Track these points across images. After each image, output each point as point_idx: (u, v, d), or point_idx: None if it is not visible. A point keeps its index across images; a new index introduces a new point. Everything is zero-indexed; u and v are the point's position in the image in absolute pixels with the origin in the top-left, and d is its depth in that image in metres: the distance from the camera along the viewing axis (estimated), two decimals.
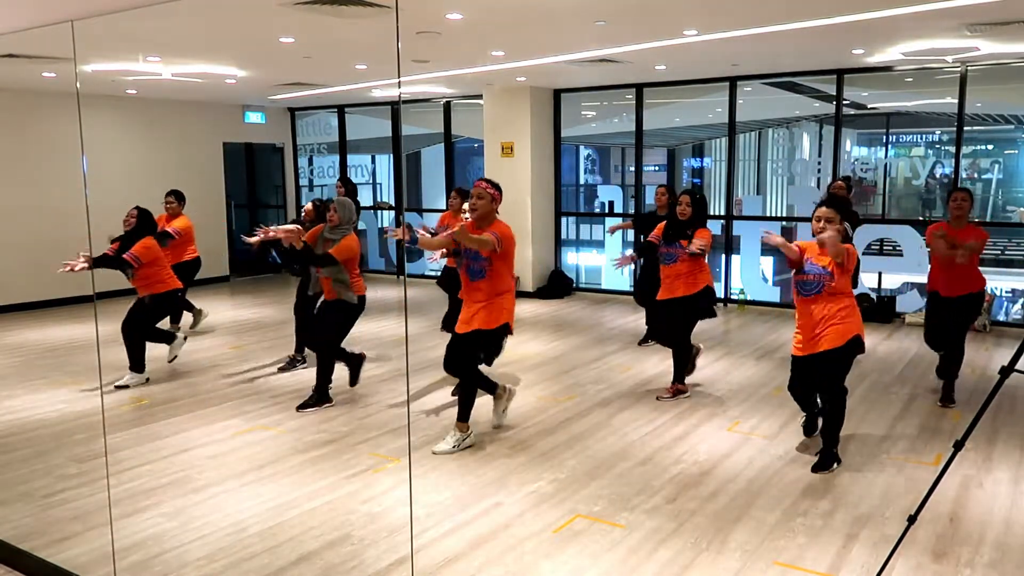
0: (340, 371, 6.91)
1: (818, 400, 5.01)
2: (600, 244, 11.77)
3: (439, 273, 7.55)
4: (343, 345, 6.10)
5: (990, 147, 13.79)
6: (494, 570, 3.52)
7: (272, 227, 5.93)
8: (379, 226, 12.70)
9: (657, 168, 15.56)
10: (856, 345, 4.64)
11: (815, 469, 4.63)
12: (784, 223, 10.48)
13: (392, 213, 13.21)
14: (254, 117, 12.83)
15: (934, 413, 5.69)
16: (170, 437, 5.31)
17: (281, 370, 6.98)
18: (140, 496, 4.35)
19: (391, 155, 13.72)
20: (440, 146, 12.40)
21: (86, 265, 6.14)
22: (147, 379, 6.68)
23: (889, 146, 12.24)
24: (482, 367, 5.35)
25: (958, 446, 3.01)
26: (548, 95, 10.95)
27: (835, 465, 4.67)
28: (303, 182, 13.76)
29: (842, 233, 4.66)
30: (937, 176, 11.83)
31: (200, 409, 5.91)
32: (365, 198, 12.68)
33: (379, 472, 4.67)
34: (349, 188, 9.65)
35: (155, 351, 7.69)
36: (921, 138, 13.12)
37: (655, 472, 4.63)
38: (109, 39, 6.43)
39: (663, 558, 3.62)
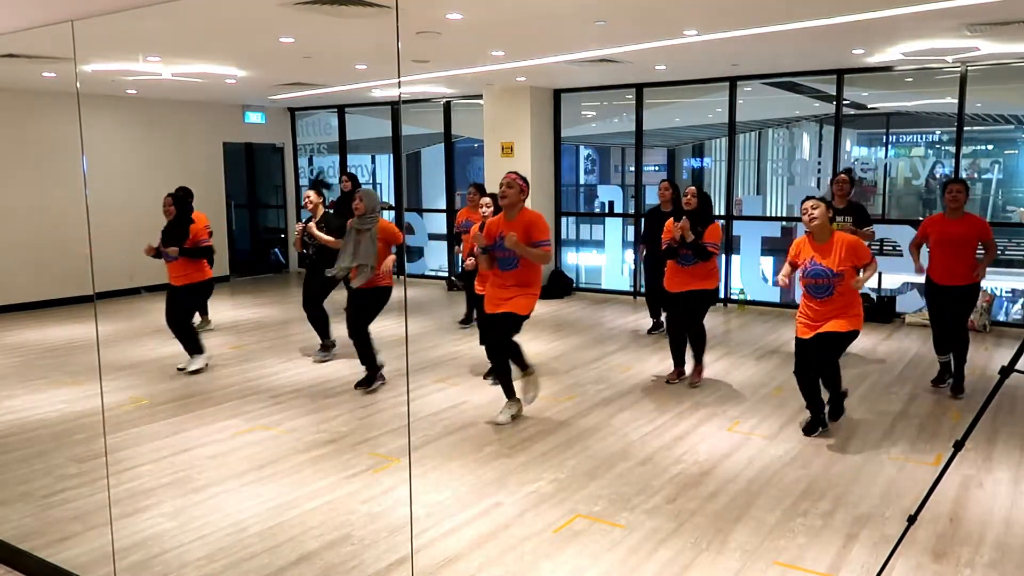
0: (340, 370, 6.92)
1: (823, 398, 5.30)
2: (600, 244, 11.76)
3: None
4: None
5: (990, 147, 13.78)
6: (494, 570, 3.53)
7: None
8: None
9: (657, 168, 15.55)
10: (854, 335, 5.14)
11: (832, 417, 5.31)
12: (784, 223, 10.48)
13: (392, 213, 13.21)
14: (254, 117, 12.83)
15: (934, 413, 5.69)
16: (170, 437, 5.31)
17: (318, 361, 7.20)
18: (140, 496, 4.35)
19: (391, 155, 13.72)
20: (440, 146, 12.40)
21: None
22: (207, 363, 7.03)
23: (889, 146, 12.23)
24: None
25: (958, 446, 3.01)
26: (548, 95, 10.95)
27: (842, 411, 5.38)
28: (303, 182, 13.76)
29: (851, 229, 4.86)
30: (937, 176, 11.82)
31: (200, 409, 5.91)
32: None
33: (379, 472, 4.67)
34: (355, 183, 9.73)
35: (163, 351, 7.69)
36: (921, 138, 13.11)
37: (655, 472, 4.63)
38: (109, 39, 6.43)
39: (663, 558, 3.62)
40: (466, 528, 3.93)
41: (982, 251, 6.09)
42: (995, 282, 9.54)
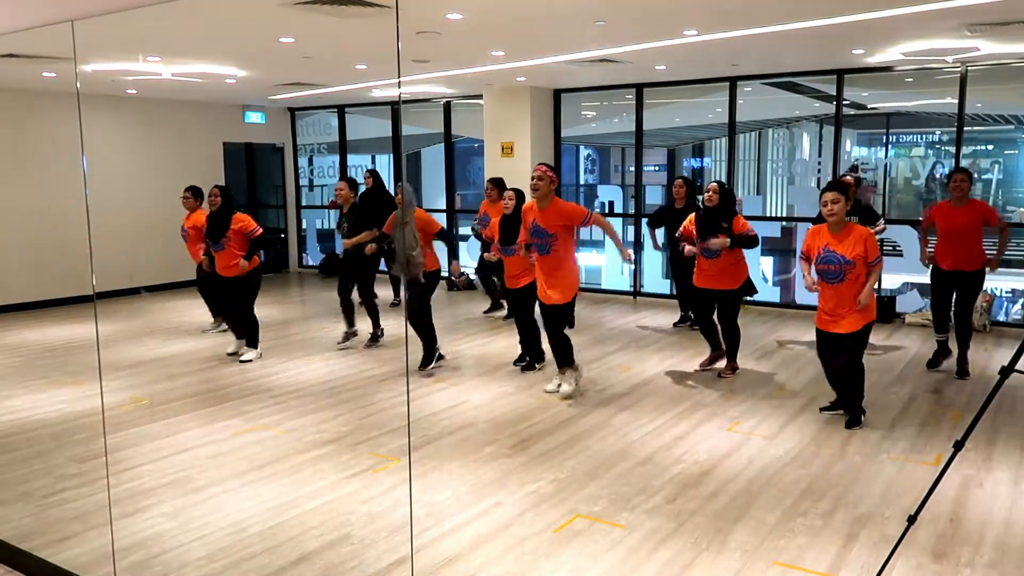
0: (340, 370, 6.92)
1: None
2: (600, 244, 11.77)
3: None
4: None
5: (990, 147, 13.78)
6: (494, 570, 3.52)
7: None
8: None
9: (657, 168, 15.55)
10: (870, 327, 5.27)
11: (848, 426, 5.30)
12: (784, 223, 10.48)
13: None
14: (254, 117, 12.83)
15: (934, 413, 5.69)
16: (170, 437, 5.31)
17: (342, 346, 7.64)
18: (140, 496, 4.35)
19: (391, 155, 13.72)
20: (440, 146, 12.40)
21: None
22: (260, 353, 7.34)
23: (889, 146, 12.24)
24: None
25: (958, 446, 3.01)
26: (548, 95, 10.95)
27: (863, 418, 5.37)
28: (303, 182, 13.76)
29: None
30: (937, 176, 11.82)
31: (200, 409, 5.91)
32: None
33: (379, 472, 4.67)
34: (377, 180, 9.88)
35: (163, 351, 7.70)
36: (921, 138, 13.11)
37: (655, 472, 4.63)
38: (109, 39, 6.43)
39: (663, 558, 3.62)
40: (466, 528, 3.93)
41: (993, 251, 6.40)
42: (995, 282, 9.52)
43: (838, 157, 9.32)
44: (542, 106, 10.85)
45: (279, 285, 12.14)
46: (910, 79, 9.04)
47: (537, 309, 6.47)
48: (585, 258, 12.42)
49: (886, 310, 8.94)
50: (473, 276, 11.04)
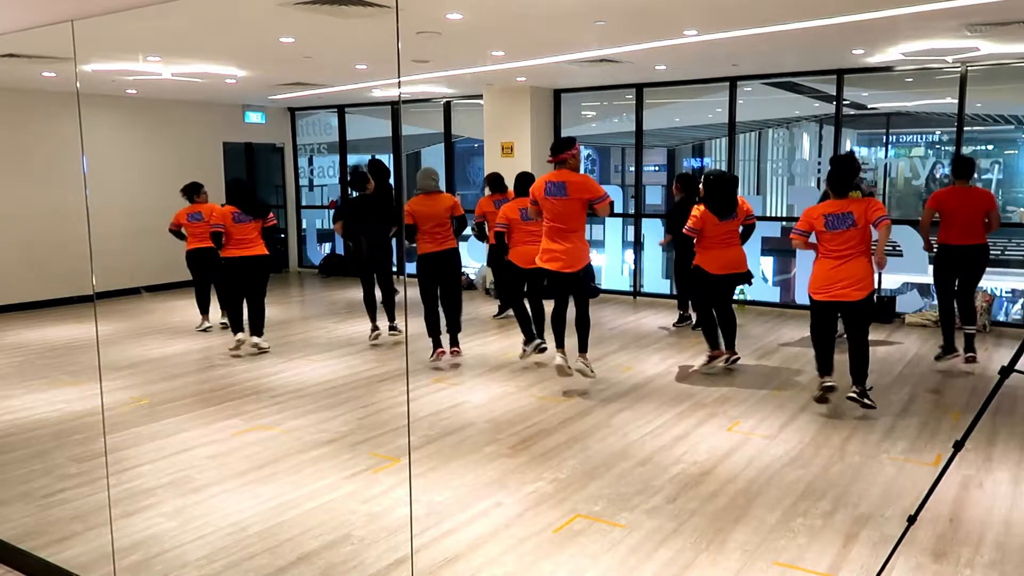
0: (340, 370, 6.92)
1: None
2: (600, 244, 11.76)
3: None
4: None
5: (990, 147, 13.78)
6: (494, 570, 3.52)
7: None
8: None
9: (657, 168, 15.56)
10: (871, 298, 5.54)
11: (866, 405, 5.49)
12: (784, 223, 10.47)
13: None
14: (254, 117, 12.83)
15: (934, 413, 5.69)
16: (170, 437, 5.31)
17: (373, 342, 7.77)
18: (140, 496, 4.35)
19: (391, 155, 13.71)
20: (440, 146, 12.40)
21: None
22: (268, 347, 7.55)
23: (889, 146, 12.24)
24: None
25: (958, 446, 3.01)
26: (548, 95, 10.95)
27: (870, 390, 5.57)
28: (303, 182, 13.76)
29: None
30: (937, 176, 11.83)
31: (200, 409, 5.91)
32: None
33: (379, 472, 4.67)
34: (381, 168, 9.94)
35: (163, 351, 7.70)
36: (921, 138, 13.12)
37: (655, 472, 4.63)
38: (109, 39, 6.43)
39: (663, 558, 3.62)
40: (466, 528, 3.93)
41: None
42: (995, 282, 9.54)
43: None
44: (542, 106, 10.85)
45: (279, 285, 12.13)
46: (910, 79, 9.04)
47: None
48: None
49: (886, 310, 8.94)
50: (473, 276, 11.04)
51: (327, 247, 13.78)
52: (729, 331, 6.81)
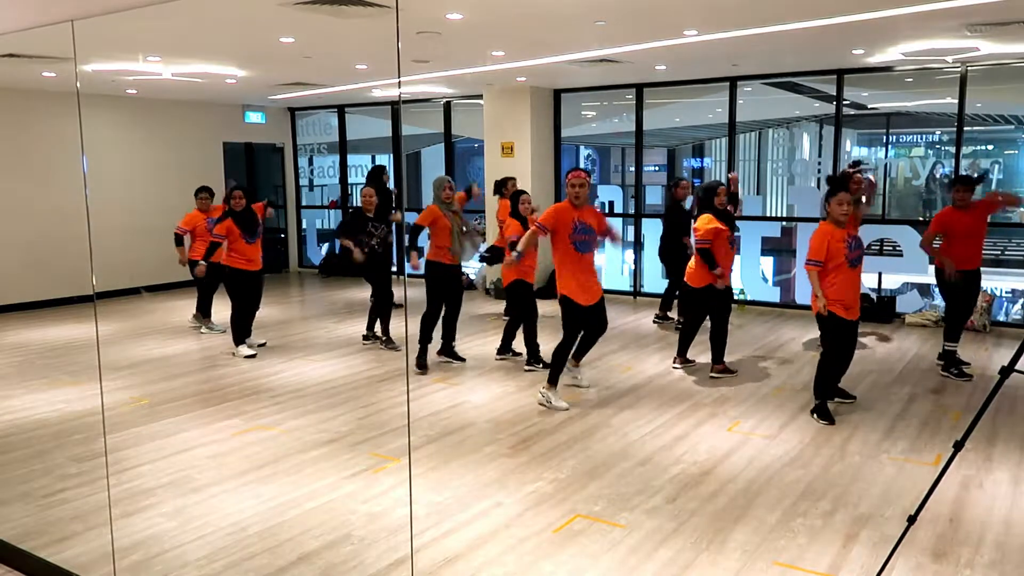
0: (340, 370, 6.92)
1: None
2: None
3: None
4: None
5: (990, 147, 13.79)
6: (494, 570, 3.52)
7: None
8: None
9: (657, 168, 15.56)
10: None
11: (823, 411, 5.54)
12: (784, 223, 10.48)
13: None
14: (254, 117, 12.83)
15: (934, 413, 5.69)
16: (170, 437, 5.31)
17: (390, 346, 7.71)
18: (140, 496, 4.35)
19: (391, 155, 13.72)
20: (440, 146, 12.40)
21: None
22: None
23: (889, 146, 12.24)
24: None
25: (958, 446, 3.01)
26: (548, 95, 10.95)
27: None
28: (303, 182, 13.76)
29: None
30: (937, 176, 11.83)
31: (200, 409, 5.91)
32: None
33: (379, 472, 4.67)
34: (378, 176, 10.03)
35: (163, 351, 7.70)
36: (921, 138, 13.12)
37: (655, 472, 4.63)
38: (109, 39, 6.43)
39: (663, 558, 3.62)
40: (466, 528, 3.93)
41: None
42: (995, 282, 9.54)
43: (838, 157, 9.32)
44: (542, 106, 10.85)
45: (279, 285, 12.13)
46: (910, 79, 9.04)
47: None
48: None
49: (886, 310, 8.94)
50: (473, 276, 11.04)
51: (326, 247, 13.79)
52: (723, 342, 6.79)
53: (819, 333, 5.71)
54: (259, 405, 5.99)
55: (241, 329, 7.50)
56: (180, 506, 4.22)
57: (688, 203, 8.23)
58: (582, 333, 6.02)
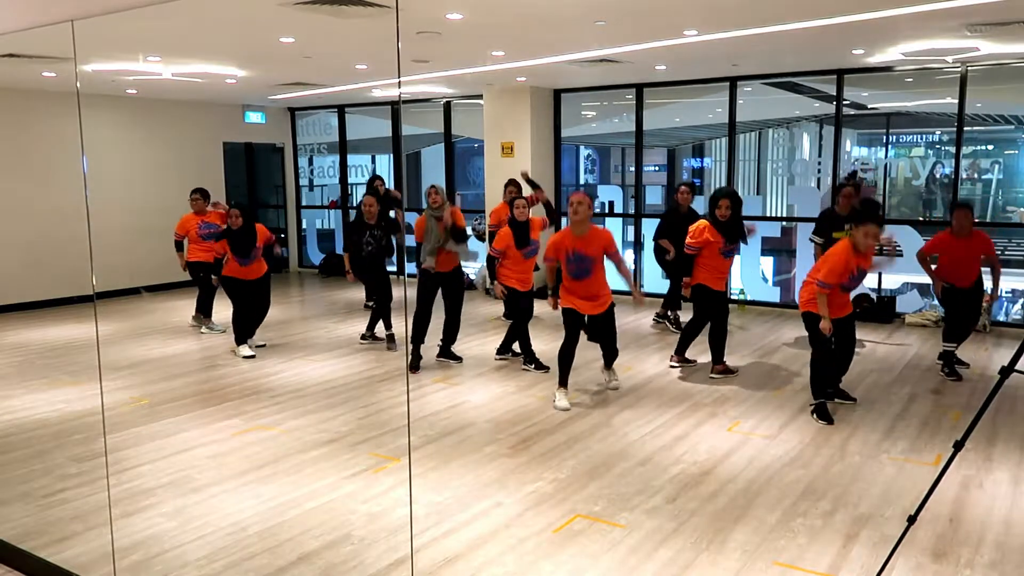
0: (340, 370, 6.92)
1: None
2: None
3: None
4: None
5: (990, 147, 13.77)
6: (494, 570, 3.52)
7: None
8: None
9: (657, 168, 15.55)
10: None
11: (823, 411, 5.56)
12: (784, 223, 10.48)
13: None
14: (254, 117, 12.83)
15: (934, 413, 5.69)
16: (170, 437, 5.31)
17: (390, 346, 7.74)
18: (140, 496, 4.35)
19: (391, 155, 13.72)
20: (440, 146, 12.40)
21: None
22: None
23: (889, 146, 12.23)
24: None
25: (958, 446, 3.01)
26: (548, 95, 10.95)
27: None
28: (303, 182, 13.76)
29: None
30: (937, 176, 11.82)
31: (200, 409, 5.91)
32: None
33: (379, 472, 4.67)
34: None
35: (163, 351, 7.71)
36: (921, 138, 13.11)
37: (655, 472, 4.63)
38: (109, 39, 6.43)
39: (663, 558, 3.62)
40: (466, 528, 3.93)
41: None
42: (996, 297, 9.53)
43: (838, 157, 9.32)
44: (542, 106, 10.85)
45: (279, 285, 12.12)
46: (910, 79, 9.04)
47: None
48: None
49: (886, 310, 8.94)
50: (472, 276, 11.04)
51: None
52: (722, 343, 6.81)
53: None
54: (259, 405, 5.99)
55: (242, 329, 7.51)
56: (180, 506, 4.22)
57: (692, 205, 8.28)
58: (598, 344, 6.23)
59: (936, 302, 8.49)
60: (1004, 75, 8.68)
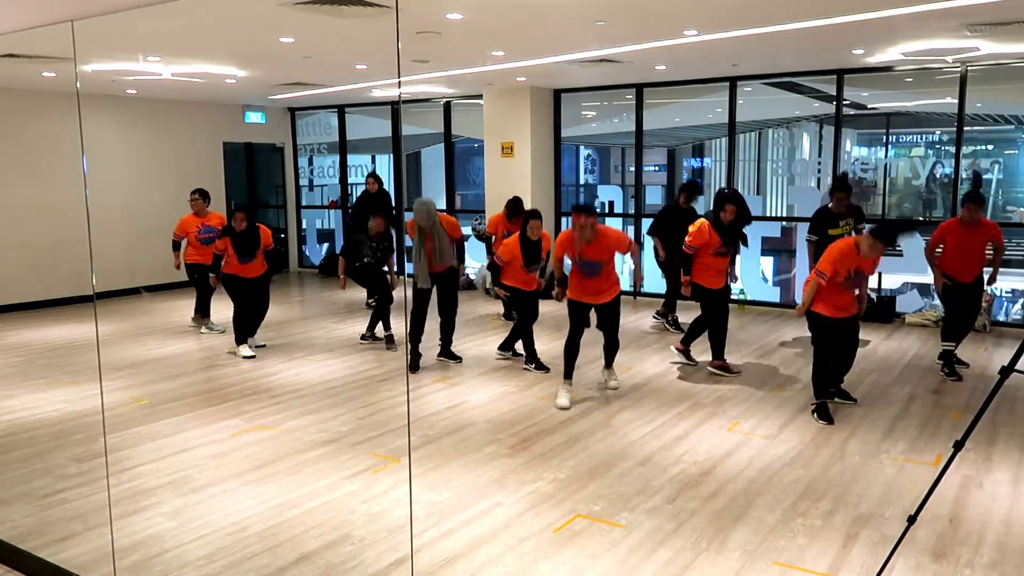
0: (340, 370, 6.92)
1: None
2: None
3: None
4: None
5: (990, 147, 13.76)
6: (494, 570, 3.53)
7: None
8: None
9: (657, 168, 15.54)
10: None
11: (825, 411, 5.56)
12: (784, 223, 10.47)
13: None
14: (254, 117, 12.83)
15: (934, 413, 5.69)
16: (170, 437, 5.31)
17: (388, 347, 7.76)
18: (140, 496, 4.35)
19: (391, 155, 13.72)
20: (440, 146, 12.40)
21: None
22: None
23: (889, 146, 12.22)
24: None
25: (958, 446, 3.01)
26: (548, 95, 10.95)
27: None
28: (303, 182, 13.76)
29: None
30: (937, 176, 11.82)
31: (200, 409, 5.91)
32: None
33: (379, 472, 4.67)
34: (380, 184, 10.08)
35: (163, 351, 7.71)
36: (921, 138, 13.10)
37: (655, 472, 4.63)
38: (109, 39, 6.43)
39: (663, 558, 3.62)
40: (466, 528, 3.93)
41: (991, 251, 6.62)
42: (995, 282, 9.52)
43: (838, 157, 9.32)
44: (542, 106, 10.84)
45: (279, 285, 12.13)
46: (910, 79, 9.03)
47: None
48: None
49: (886, 310, 8.94)
50: (472, 276, 11.04)
51: (326, 247, 13.79)
52: (722, 339, 6.84)
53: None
54: (259, 405, 5.99)
55: (242, 329, 7.51)
56: (180, 506, 4.22)
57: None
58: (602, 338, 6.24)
59: (936, 301, 8.49)
60: (1004, 75, 8.69)
